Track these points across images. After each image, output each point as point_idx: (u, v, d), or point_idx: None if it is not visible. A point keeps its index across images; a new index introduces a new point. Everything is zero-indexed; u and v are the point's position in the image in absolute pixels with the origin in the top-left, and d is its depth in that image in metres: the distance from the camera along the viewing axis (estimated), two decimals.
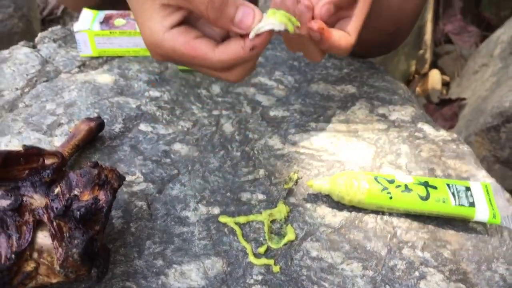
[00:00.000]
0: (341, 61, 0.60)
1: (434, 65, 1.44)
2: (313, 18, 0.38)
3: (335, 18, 0.41)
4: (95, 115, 0.51)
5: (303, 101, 0.54)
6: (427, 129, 0.51)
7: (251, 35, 0.34)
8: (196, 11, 0.34)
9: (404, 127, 0.51)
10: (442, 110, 1.17)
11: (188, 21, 0.36)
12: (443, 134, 0.51)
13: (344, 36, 0.39)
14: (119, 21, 0.59)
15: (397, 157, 0.47)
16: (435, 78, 1.39)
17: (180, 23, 0.35)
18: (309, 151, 0.48)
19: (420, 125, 0.52)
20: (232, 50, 0.34)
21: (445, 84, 1.40)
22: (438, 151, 0.48)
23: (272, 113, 0.52)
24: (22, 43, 0.62)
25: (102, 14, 0.59)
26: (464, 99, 1.14)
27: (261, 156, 0.47)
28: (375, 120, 0.52)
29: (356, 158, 0.47)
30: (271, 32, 0.34)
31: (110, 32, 0.57)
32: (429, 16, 1.30)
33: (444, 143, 0.49)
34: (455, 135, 0.51)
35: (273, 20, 0.34)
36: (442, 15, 1.41)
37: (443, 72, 1.42)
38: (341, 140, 0.49)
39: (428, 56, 1.40)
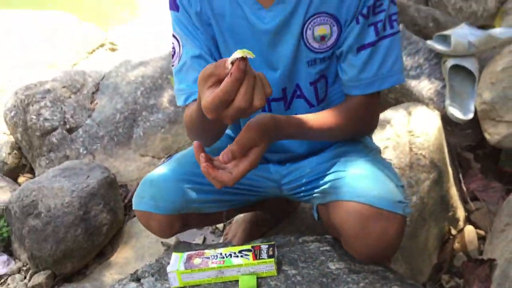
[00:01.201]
0: (358, 276, 0.80)
1: (468, 220, 1.58)
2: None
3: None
4: None
5: None
6: None
7: (228, 64, 0.56)
8: None
9: None
10: (477, 270, 1.28)
11: None
12: None
13: (226, 174, 0.64)
14: (197, 260, 0.84)
15: None
16: (470, 234, 1.51)
17: None
18: None
19: None
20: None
21: (481, 238, 1.52)
22: None
23: None
24: (128, 277, 0.89)
25: (185, 255, 0.86)
26: (494, 260, 1.26)
27: None
28: None
29: None
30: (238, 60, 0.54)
31: (191, 271, 0.83)
32: (450, 184, 1.49)
33: None
34: None
35: (236, 53, 0.55)
36: (463, 178, 1.60)
37: (477, 227, 1.54)
38: None
39: (460, 214, 1.55)
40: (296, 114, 0.85)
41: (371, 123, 0.87)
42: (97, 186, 1.55)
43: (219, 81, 0.57)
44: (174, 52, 0.84)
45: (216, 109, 0.57)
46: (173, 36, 0.84)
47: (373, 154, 0.87)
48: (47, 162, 1.87)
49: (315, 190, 0.85)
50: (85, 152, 1.88)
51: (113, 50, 2.90)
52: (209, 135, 0.80)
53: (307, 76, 0.82)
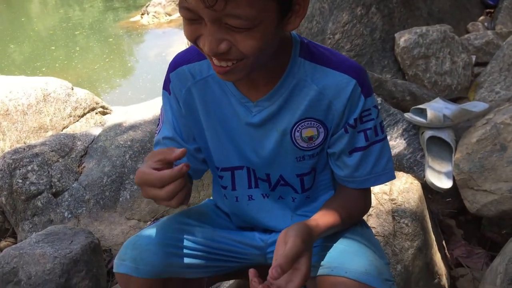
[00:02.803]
0: None
1: (453, 287, 1.58)
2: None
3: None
4: None
5: None
6: None
7: (176, 154, 0.68)
8: None
9: None
10: None
11: None
12: None
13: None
14: None
15: None
16: None
17: None
18: None
19: None
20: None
21: None
22: None
23: None
24: None
25: None
26: None
27: None
28: None
29: None
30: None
31: None
32: (434, 251, 1.50)
33: None
34: None
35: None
36: (447, 244, 1.62)
37: None
38: None
39: (445, 282, 1.55)
40: (280, 196, 0.89)
41: (367, 208, 0.90)
42: (80, 252, 1.53)
43: (163, 162, 0.69)
44: (159, 123, 0.90)
45: (143, 183, 0.69)
46: (161, 109, 0.90)
47: (361, 228, 0.89)
48: (31, 226, 1.84)
49: None
50: (70, 216, 1.86)
51: (103, 113, 2.95)
52: None
53: (295, 169, 0.85)
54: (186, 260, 0.87)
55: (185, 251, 0.87)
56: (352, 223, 0.87)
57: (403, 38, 1.97)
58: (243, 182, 0.89)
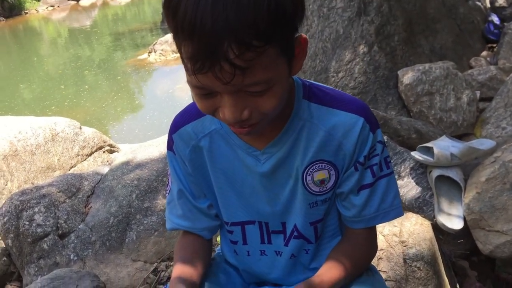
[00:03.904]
0: None
1: None
2: None
3: None
4: None
5: None
6: None
7: None
8: None
9: None
10: None
11: None
12: None
13: None
14: None
15: None
16: None
17: None
18: None
19: None
20: None
21: None
22: None
23: None
24: None
25: None
26: None
27: None
28: None
29: None
30: None
31: None
32: None
33: None
34: None
35: None
36: (462, 287, 1.57)
37: None
38: None
39: None
40: (292, 255, 0.86)
41: (374, 252, 0.88)
42: None
43: None
44: (168, 183, 0.90)
45: None
46: (169, 169, 0.90)
47: (372, 277, 0.86)
48: (36, 269, 1.82)
49: None
50: (76, 258, 1.84)
51: (111, 152, 2.97)
52: None
53: (308, 217, 0.83)
54: None
55: None
56: (361, 271, 0.85)
57: (406, 76, 1.98)
58: (255, 236, 0.87)
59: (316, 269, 0.81)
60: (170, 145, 0.86)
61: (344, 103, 0.78)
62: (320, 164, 0.79)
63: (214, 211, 0.88)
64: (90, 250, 1.87)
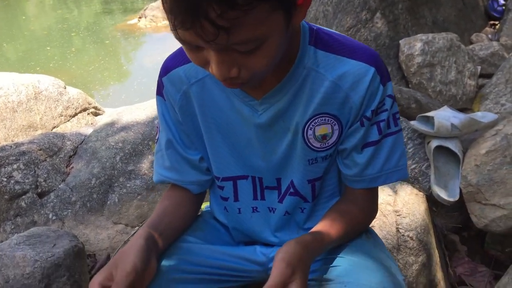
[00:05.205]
0: None
1: None
2: None
3: None
4: None
5: None
6: None
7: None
8: None
9: None
10: None
11: None
12: None
13: None
14: None
15: None
16: None
17: None
18: None
19: None
20: None
21: None
22: None
23: None
24: None
25: None
26: None
27: None
28: None
29: None
30: None
31: None
32: (437, 267, 1.43)
33: None
34: None
35: None
36: (450, 261, 1.55)
37: None
38: None
39: None
40: (286, 212, 0.80)
41: (375, 213, 0.83)
42: (63, 256, 1.43)
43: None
44: (157, 131, 0.83)
45: None
46: (158, 116, 0.83)
47: (373, 239, 0.81)
48: (13, 227, 1.75)
49: (309, 277, 0.78)
50: (54, 218, 1.77)
51: (96, 114, 2.87)
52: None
53: (306, 174, 0.77)
54: (184, 278, 0.77)
55: (184, 275, 0.77)
56: (360, 231, 0.80)
57: (408, 45, 1.91)
58: (247, 192, 0.81)
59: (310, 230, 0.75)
60: (159, 90, 0.78)
61: (354, 50, 0.70)
62: (323, 118, 0.72)
63: (205, 165, 0.81)
64: (69, 210, 1.79)
